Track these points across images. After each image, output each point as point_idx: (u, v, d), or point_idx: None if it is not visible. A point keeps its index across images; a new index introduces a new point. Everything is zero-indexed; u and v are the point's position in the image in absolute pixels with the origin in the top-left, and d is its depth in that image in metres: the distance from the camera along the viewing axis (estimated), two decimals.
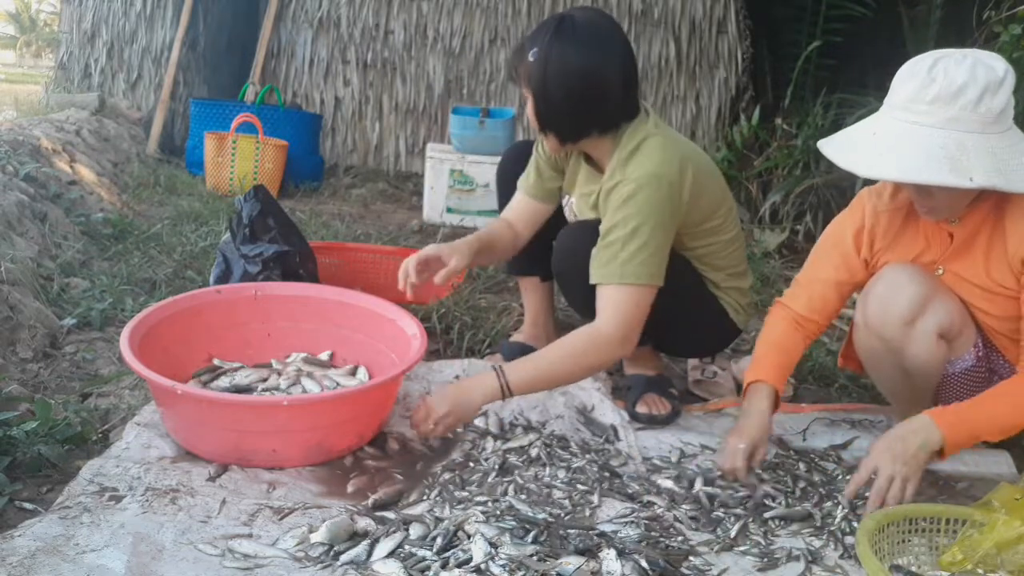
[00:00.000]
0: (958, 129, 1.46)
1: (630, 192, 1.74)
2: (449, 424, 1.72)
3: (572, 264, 1.87)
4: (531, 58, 1.78)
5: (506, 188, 2.20)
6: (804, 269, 1.86)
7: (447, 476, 1.67)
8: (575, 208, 2.04)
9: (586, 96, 1.76)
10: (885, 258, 1.76)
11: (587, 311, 1.82)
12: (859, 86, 4.22)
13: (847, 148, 1.58)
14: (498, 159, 2.33)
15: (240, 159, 4.10)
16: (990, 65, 1.48)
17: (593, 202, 1.90)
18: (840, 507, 1.61)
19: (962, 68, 1.46)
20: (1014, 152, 1.47)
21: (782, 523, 1.57)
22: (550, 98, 1.78)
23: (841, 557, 1.48)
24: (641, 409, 1.99)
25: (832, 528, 1.56)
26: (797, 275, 1.88)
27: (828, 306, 1.80)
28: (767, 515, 1.59)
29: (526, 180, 2.08)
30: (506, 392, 1.71)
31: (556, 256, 1.96)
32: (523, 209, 2.09)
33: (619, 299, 1.73)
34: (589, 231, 1.83)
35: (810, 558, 1.46)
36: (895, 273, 1.69)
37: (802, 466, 1.80)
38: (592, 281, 1.77)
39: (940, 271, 1.69)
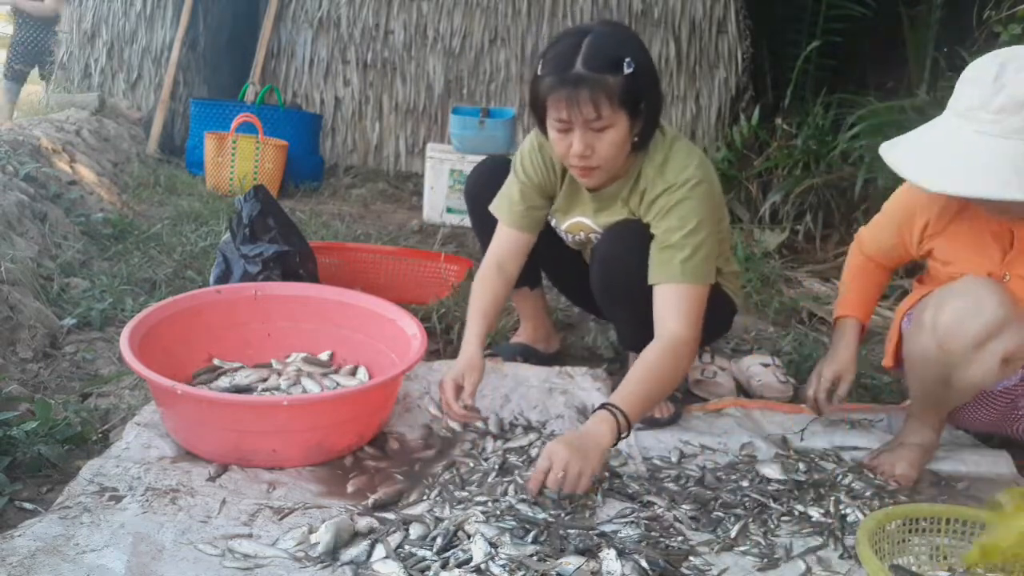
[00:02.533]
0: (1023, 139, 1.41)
1: (682, 196, 1.75)
2: (588, 476, 1.55)
3: (622, 265, 1.84)
4: (628, 69, 1.63)
5: (478, 206, 2.11)
6: (879, 215, 1.89)
7: (447, 476, 1.67)
8: (579, 237, 1.99)
9: (661, 98, 1.79)
10: (935, 243, 1.72)
11: (629, 312, 1.87)
12: (859, 86, 4.22)
13: (913, 159, 1.52)
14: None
15: (240, 159, 4.10)
16: None
17: (621, 219, 1.87)
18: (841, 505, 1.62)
19: None
20: None
21: (782, 523, 1.57)
22: (656, 104, 1.74)
23: (840, 557, 1.48)
24: (649, 413, 1.99)
25: (833, 528, 1.55)
26: (876, 216, 1.91)
27: (891, 262, 1.92)
28: (766, 514, 1.59)
29: (510, 211, 1.96)
30: (623, 429, 1.60)
31: (607, 258, 1.89)
32: (512, 245, 1.97)
33: (688, 298, 1.74)
34: (635, 230, 1.82)
35: (810, 558, 1.47)
36: (978, 288, 1.57)
37: (801, 466, 1.80)
38: (652, 281, 1.76)
39: (1007, 277, 1.63)
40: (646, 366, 1.68)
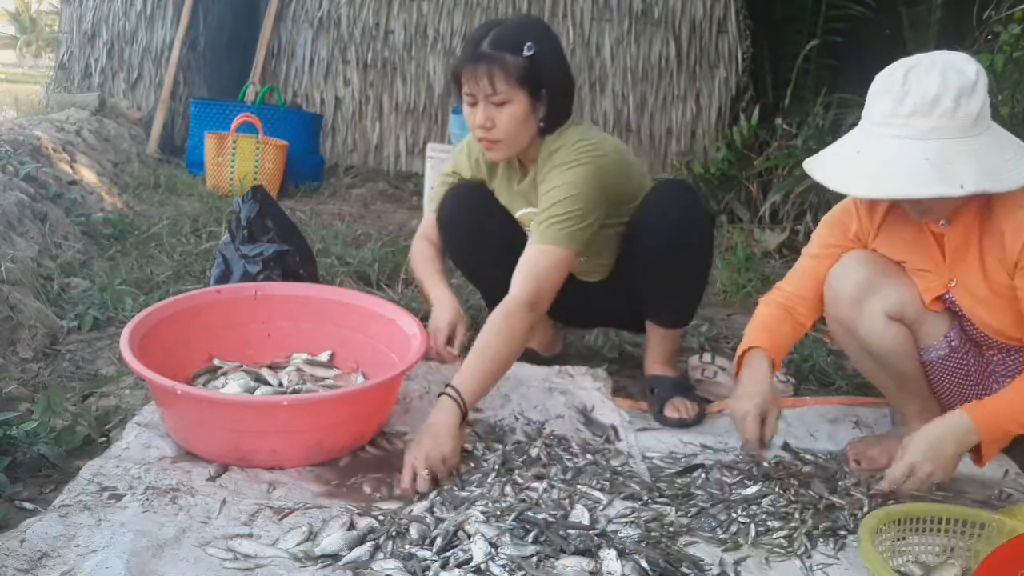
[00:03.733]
0: (940, 137, 1.46)
1: (561, 175, 1.87)
2: (451, 454, 1.65)
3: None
4: (528, 52, 1.79)
5: (459, 236, 2.14)
6: (801, 259, 1.91)
7: (447, 476, 1.67)
8: (526, 225, 2.06)
9: (570, 90, 1.94)
10: (874, 246, 1.77)
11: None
12: (859, 86, 4.20)
13: (835, 169, 1.58)
14: None
15: (240, 159, 4.10)
16: (960, 69, 1.47)
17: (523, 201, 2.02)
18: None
19: (933, 77, 1.46)
20: (997, 151, 1.48)
21: (782, 522, 1.57)
22: (559, 91, 1.86)
23: (838, 553, 1.48)
24: (670, 413, 2.00)
25: (835, 527, 1.56)
26: (798, 263, 1.92)
27: (812, 282, 1.83)
28: (766, 514, 1.59)
29: (435, 202, 2.13)
30: (464, 409, 1.71)
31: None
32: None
33: (535, 260, 1.84)
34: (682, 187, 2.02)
35: (810, 557, 1.47)
36: (849, 257, 1.76)
37: (803, 466, 1.80)
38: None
39: (954, 283, 1.68)
40: (484, 349, 1.76)
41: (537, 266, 1.83)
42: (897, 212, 1.71)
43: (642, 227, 2.00)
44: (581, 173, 1.85)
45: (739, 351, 1.77)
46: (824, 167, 1.60)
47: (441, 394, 1.71)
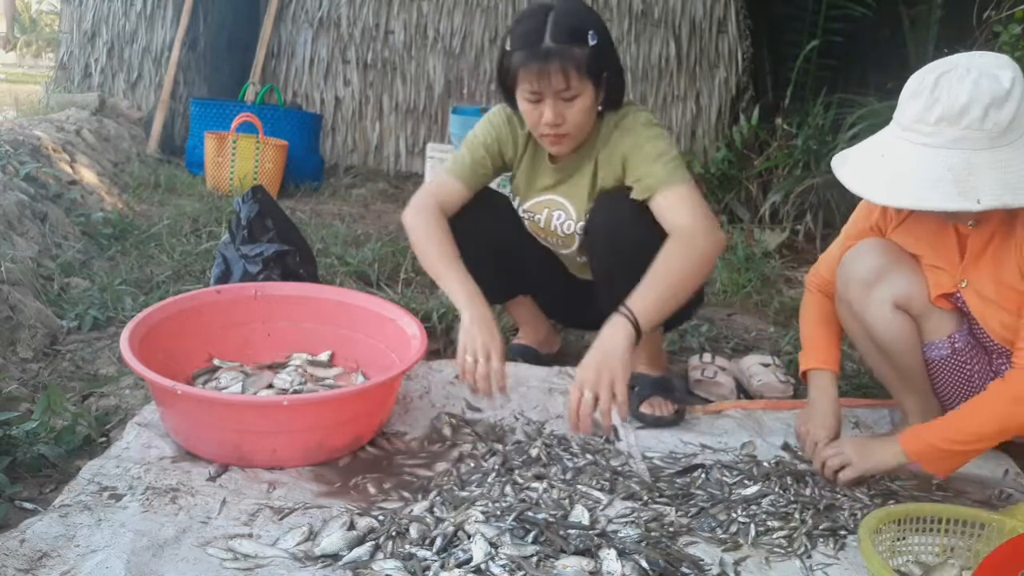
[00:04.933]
0: (966, 148, 1.44)
1: (645, 131, 1.85)
2: (621, 384, 1.56)
3: (624, 229, 1.86)
4: (592, 40, 1.74)
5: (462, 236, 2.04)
6: (834, 245, 1.95)
7: (447, 476, 1.67)
8: (542, 216, 2.01)
9: (621, 66, 1.89)
10: (896, 236, 1.78)
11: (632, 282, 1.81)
12: (859, 86, 4.23)
13: (858, 170, 1.57)
14: None
15: (240, 159, 4.10)
16: (995, 76, 1.44)
17: (590, 185, 1.93)
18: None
19: (965, 84, 1.44)
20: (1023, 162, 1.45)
21: (782, 522, 1.57)
22: (614, 79, 1.84)
23: (838, 553, 1.48)
24: (646, 410, 1.99)
25: (835, 527, 1.56)
26: (831, 247, 1.96)
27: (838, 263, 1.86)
28: (766, 514, 1.59)
29: (462, 168, 1.96)
30: (639, 330, 1.61)
31: (608, 225, 1.90)
32: (455, 196, 1.96)
33: (686, 195, 1.78)
34: (626, 196, 1.85)
35: (810, 557, 1.47)
36: (865, 243, 1.79)
37: (803, 466, 1.80)
38: (643, 195, 1.80)
39: (964, 283, 1.68)
40: (660, 262, 1.67)
41: (690, 201, 1.77)
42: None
43: (591, 241, 1.96)
44: (659, 131, 1.87)
45: (803, 364, 1.90)
46: (848, 167, 1.60)
47: (613, 313, 1.62)
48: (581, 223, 1.97)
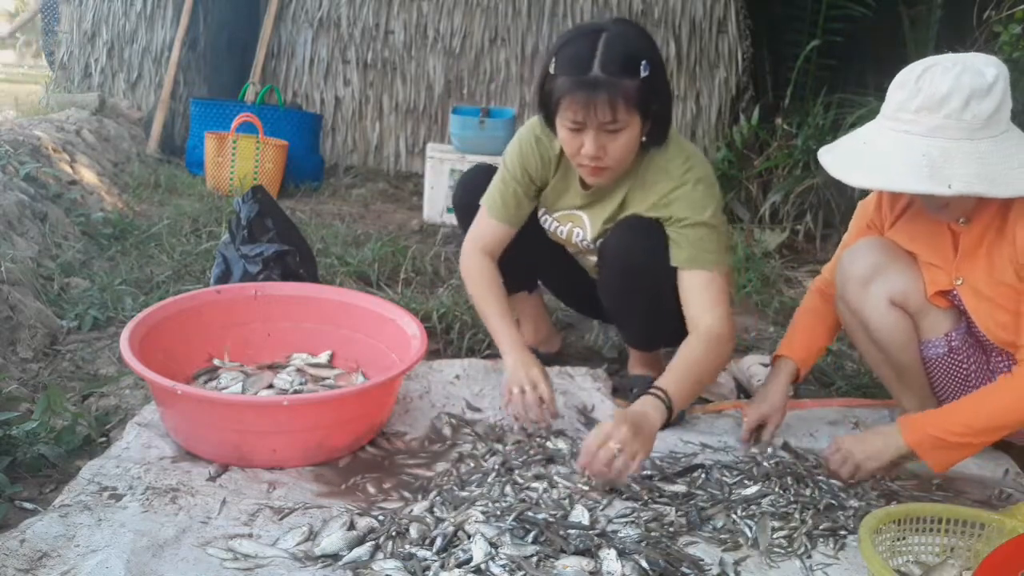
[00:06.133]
0: (944, 137, 1.47)
1: (691, 188, 1.79)
2: (640, 459, 1.57)
3: (640, 259, 1.84)
4: (645, 72, 1.63)
5: (467, 216, 2.08)
6: (841, 246, 1.95)
7: (447, 476, 1.67)
8: (564, 228, 1.99)
9: (671, 101, 1.83)
10: (893, 235, 1.79)
11: (644, 308, 1.92)
12: (859, 86, 4.22)
13: (840, 157, 1.62)
14: (499, 159, 2.30)
15: (240, 159, 4.10)
16: (979, 70, 1.48)
17: (613, 213, 1.89)
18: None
19: (948, 76, 1.47)
20: (1004, 156, 1.47)
21: (782, 523, 1.57)
22: (663, 112, 1.74)
23: (838, 553, 1.48)
24: None
25: (835, 527, 1.56)
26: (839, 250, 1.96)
27: None
28: (767, 514, 1.59)
29: (503, 208, 1.95)
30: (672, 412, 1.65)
31: (624, 252, 1.88)
32: (498, 237, 1.97)
33: (720, 289, 1.78)
34: (648, 225, 1.83)
35: (810, 557, 1.47)
36: (862, 242, 1.81)
37: (802, 466, 1.80)
38: (679, 263, 1.79)
39: (960, 281, 1.69)
40: (692, 357, 1.71)
41: (720, 294, 1.79)
42: (919, 204, 1.72)
43: (602, 257, 1.95)
44: (705, 191, 1.80)
45: (776, 351, 1.95)
46: (833, 154, 1.64)
47: (645, 394, 1.65)
48: (598, 240, 1.95)
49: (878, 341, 1.80)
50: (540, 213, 2.04)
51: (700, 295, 1.77)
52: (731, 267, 2.10)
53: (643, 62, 1.63)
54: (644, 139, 1.75)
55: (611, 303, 2.02)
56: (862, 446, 1.69)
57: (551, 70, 1.67)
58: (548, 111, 1.74)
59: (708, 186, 1.82)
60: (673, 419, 1.71)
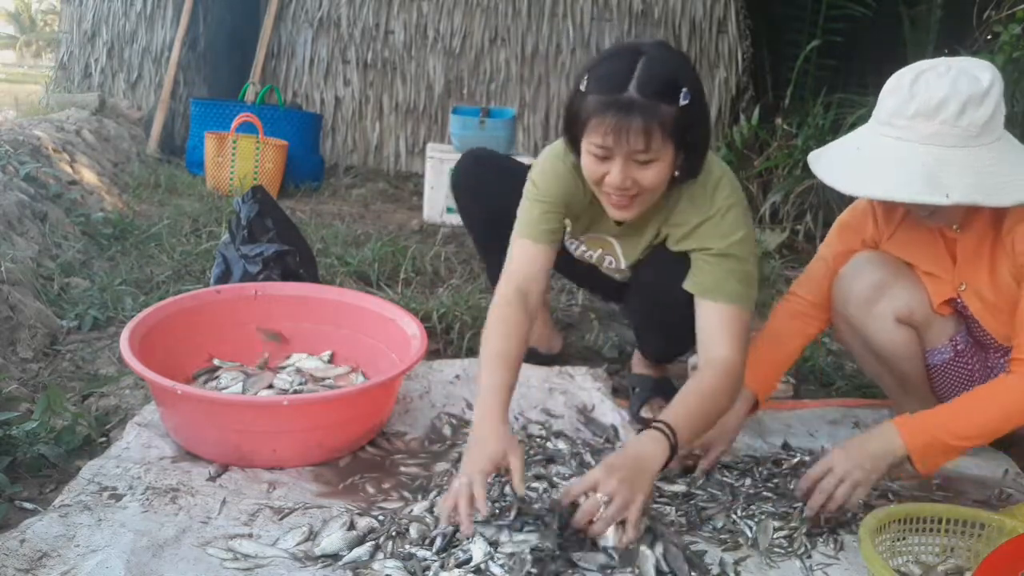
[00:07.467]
0: (940, 144, 1.44)
1: (722, 218, 1.67)
2: (637, 506, 1.36)
3: (670, 299, 1.73)
4: (684, 100, 1.48)
5: (464, 198, 2.05)
6: (813, 261, 1.90)
7: (447, 476, 1.67)
8: (594, 253, 1.92)
9: (709, 133, 1.69)
10: (890, 247, 1.77)
11: (666, 333, 1.89)
12: (859, 86, 4.22)
13: (832, 163, 1.58)
14: None
15: (240, 159, 4.10)
16: (974, 76, 1.45)
17: (648, 243, 1.80)
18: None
19: (943, 82, 1.44)
20: (999, 164, 1.45)
21: (782, 523, 1.57)
22: (699, 144, 1.59)
23: (838, 553, 1.48)
24: (646, 413, 1.99)
25: (833, 526, 1.55)
26: (810, 265, 1.91)
27: (822, 284, 1.83)
28: (764, 513, 1.59)
29: (546, 229, 1.73)
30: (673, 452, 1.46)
31: (656, 289, 1.81)
32: (543, 264, 1.73)
33: (741, 322, 1.64)
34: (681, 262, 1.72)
35: (810, 557, 1.47)
36: (861, 257, 1.76)
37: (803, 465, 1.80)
38: (698, 292, 1.67)
39: (963, 287, 1.68)
40: (702, 391, 1.56)
41: (741, 332, 1.63)
42: (914, 214, 1.69)
43: (632, 284, 1.92)
44: (735, 217, 1.67)
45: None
46: (823, 160, 1.61)
47: (649, 427, 1.48)
48: (628, 266, 1.90)
49: (884, 357, 1.78)
50: (565, 236, 1.86)
51: (718, 329, 1.63)
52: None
53: (684, 89, 1.48)
54: (676, 174, 1.58)
55: (636, 321, 2.02)
56: (859, 459, 1.52)
57: (582, 87, 1.52)
58: (573, 132, 1.58)
59: (739, 212, 1.68)
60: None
